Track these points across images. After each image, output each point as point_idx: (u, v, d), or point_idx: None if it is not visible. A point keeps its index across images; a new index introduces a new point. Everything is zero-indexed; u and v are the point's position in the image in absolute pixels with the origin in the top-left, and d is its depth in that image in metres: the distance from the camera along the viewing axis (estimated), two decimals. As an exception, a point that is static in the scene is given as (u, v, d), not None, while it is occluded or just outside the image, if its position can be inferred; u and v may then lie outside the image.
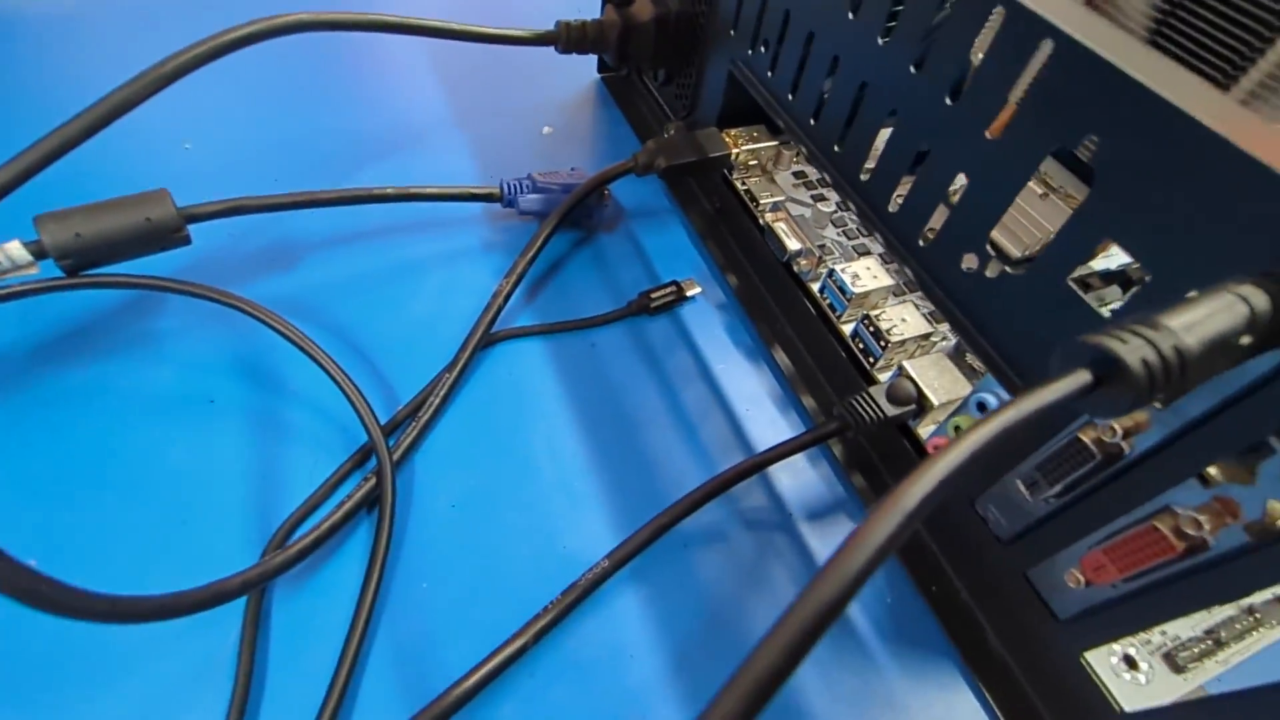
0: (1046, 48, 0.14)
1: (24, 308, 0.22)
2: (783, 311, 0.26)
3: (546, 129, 0.33)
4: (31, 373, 0.22)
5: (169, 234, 0.21)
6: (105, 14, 0.35)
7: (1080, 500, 0.15)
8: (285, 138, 0.30)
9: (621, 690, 0.18)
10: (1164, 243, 0.13)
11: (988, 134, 0.16)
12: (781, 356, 0.26)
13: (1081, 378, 0.09)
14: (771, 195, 0.27)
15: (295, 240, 0.26)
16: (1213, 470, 0.13)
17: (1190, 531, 0.13)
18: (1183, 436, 0.13)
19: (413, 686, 0.17)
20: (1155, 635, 0.18)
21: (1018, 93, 0.15)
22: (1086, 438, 0.15)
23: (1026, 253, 0.22)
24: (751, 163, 0.28)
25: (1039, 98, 0.14)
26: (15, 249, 0.19)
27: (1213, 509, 0.13)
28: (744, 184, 0.28)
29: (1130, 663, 0.17)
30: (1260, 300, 0.10)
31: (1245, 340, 0.10)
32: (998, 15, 0.15)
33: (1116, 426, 0.14)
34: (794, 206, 0.27)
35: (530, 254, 0.25)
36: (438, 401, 0.22)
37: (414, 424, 0.22)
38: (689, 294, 0.27)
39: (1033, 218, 0.21)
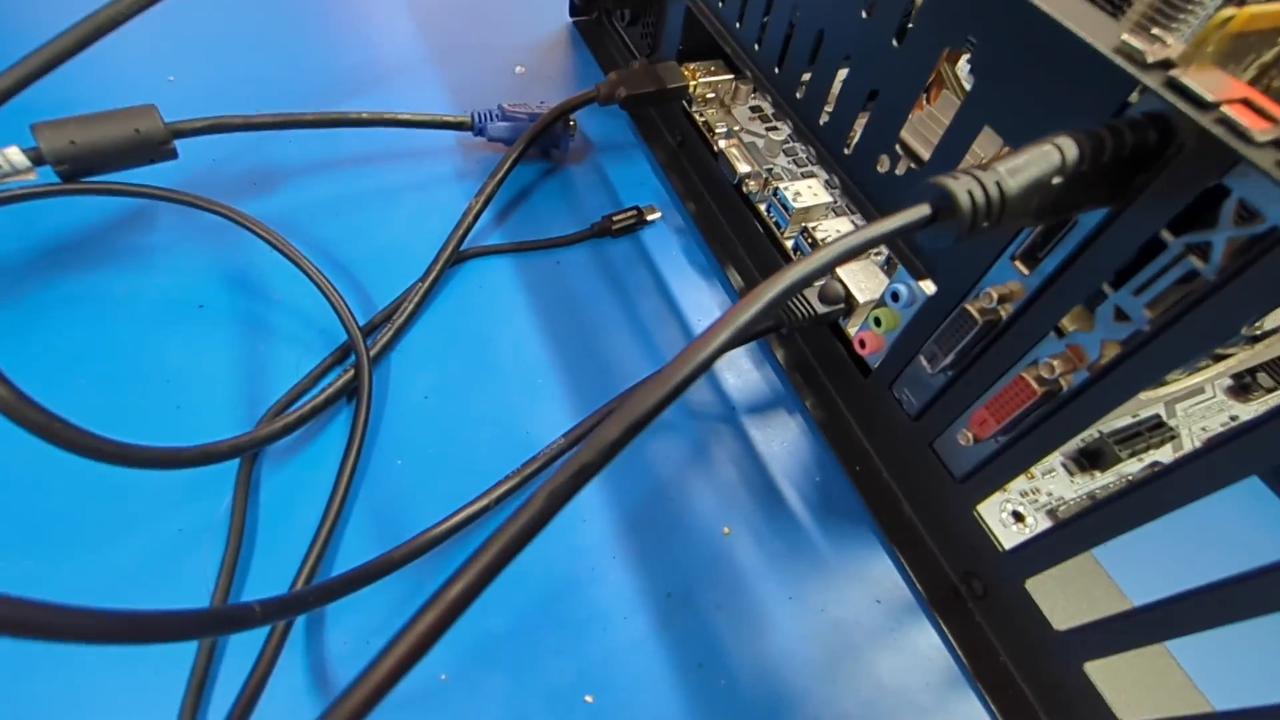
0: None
1: (23, 211, 0.24)
2: (735, 233, 0.28)
3: (519, 68, 0.35)
4: (31, 276, 0.23)
5: (157, 146, 0.23)
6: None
7: (968, 367, 0.18)
8: (265, 73, 0.32)
9: (574, 548, 0.20)
10: (1022, 123, 0.15)
11: (894, 43, 0.18)
12: (733, 274, 0.28)
13: (922, 210, 0.12)
14: (727, 126, 0.29)
15: (276, 163, 0.28)
16: (1065, 321, 0.15)
17: (1046, 375, 0.15)
18: (1041, 294, 0.15)
19: (385, 540, 0.20)
20: (1042, 496, 0.20)
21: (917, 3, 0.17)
22: (971, 308, 0.17)
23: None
24: (709, 95, 0.30)
25: (932, 7, 0.16)
26: (14, 153, 0.21)
27: (1065, 356, 0.15)
28: (702, 116, 0.29)
29: (1018, 517, 0.20)
30: (1071, 149, 0.12)
31: (1056, 180, 0.12)
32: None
33: (993, 293, 0.16)
34: (747, 135, 0.29)
35: (499, 176, 0.27)
36: (411, 308, 0.24)
37: (389, 326, 0.24)
38: (649, 219, 0.29)
39: (940, 121, 0.23)
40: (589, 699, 0.18)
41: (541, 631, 0.19)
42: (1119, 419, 0.22)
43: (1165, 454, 0.22)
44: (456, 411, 0.23)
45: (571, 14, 0.38)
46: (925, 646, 0.20)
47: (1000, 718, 0.19)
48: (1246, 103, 0.11)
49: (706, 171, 0.29)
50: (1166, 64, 0.12)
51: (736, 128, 0.29)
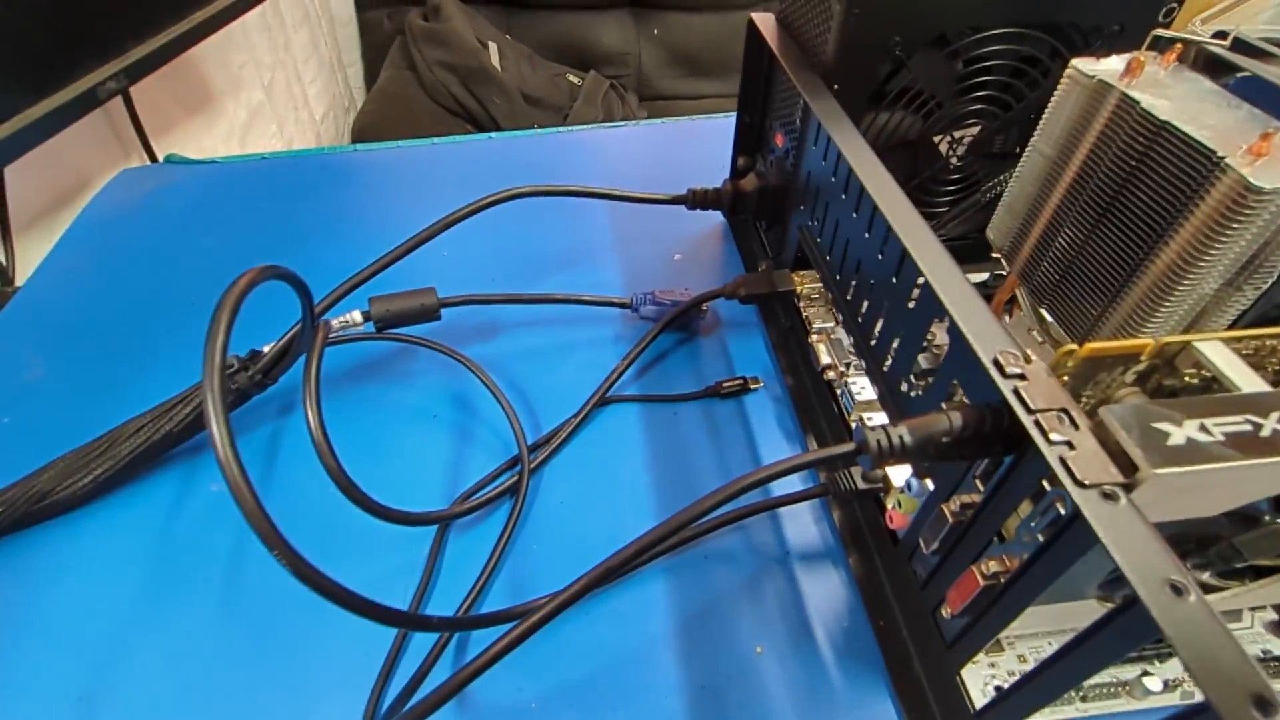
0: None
1: (352, 349, 0.38)
2: (819, 409, 0.35)
3: (677, 256, 0.46)
4: (347, 384, 0.37)
5: (431, 313, 0.36)
6: (409, 164, 0.55)
7: (946, 555, 0.23)
8: (506, 253, 0.46)
9: (642, 632, 0.28)
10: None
11: (909, 306, 0.25)
12: (811, 441, 0.34)
13: (849, 446, 0.18)
14: (822, 322, 0.36)
15: (497, 321, 0.41)
16: (1005, 529, 0.20)
17: (986, 571, 0.20)
18: (986, 506, 0.20)
19: (516, 598, 0.28)
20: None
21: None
22: (944, 508, 0.22)
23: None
24: (814, 296, 0.38)
25: (923, 293, 0.23)
26: (356, 315, 0.35)
27: (1001, 559, 0.20)
28: (805, 311, 0.37)
29: (1000, 691, 0.23)
30: (957, 419, 0.18)
31: (945, 439, 0.18)
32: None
33: (958, 501, 0.22)
34: (835, 334, 0.36)
35: (641, 346, 0.37)
36: (564, 435, 0.34)
37: (547, 447, 0.34)
38: (753, 387, 0.37)
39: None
40: (628, 749, 0.25)
41: (605, 688, 0.26)
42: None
43: (1170, 669, 0.24)
44: (581, 518, 0.31)
45: (726, 215, 0.48)
46: (908, 787, 0.24)
47: None
48: (1063, 411, 0.17)
49: (804, 355, 0.37)
50: (1021, 376, 0.18)
51: (830, 325, 0.36)
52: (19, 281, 0.45)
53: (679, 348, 0.40)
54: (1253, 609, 0.25)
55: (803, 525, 0.31)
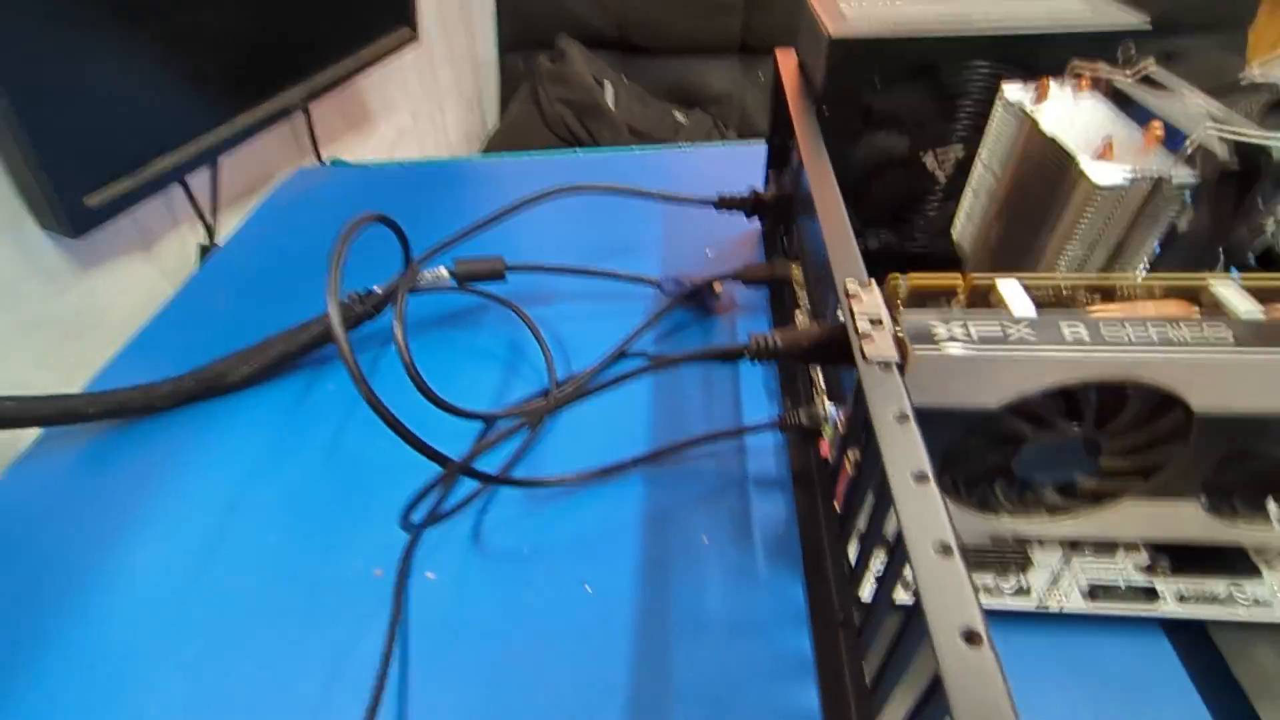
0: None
1: (438, 299, 0.49)
2: (797, 374, 0.41)
3: (709, 251, 0.54)
4: (430, 327, 0.48)
5: (499, 274, 0.46)
6: (520, 171, 0.67)
7: (838, 458, 0.29)
8: (567, 238, 0.56)
9: (618, 523, 0.35)
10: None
11: (835, 270, 0.32)
12: (786, 399, 0.41)
13: (740, 346, 0.26)
14: (806, 303, 0.43)
15: (552, 288, 0.51)
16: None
17: (850, 462, 0.27)
18: (853, 415, 0.27)
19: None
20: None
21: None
22: (839, 421, 0.29)
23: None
24: (799, 277, 0.44)
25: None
26: (443, 271, 0.46)
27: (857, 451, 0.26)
28: (798, 294, 0.44)
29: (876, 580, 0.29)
30: (815, 329, 0.25)
31: (806, 344, 0.25)
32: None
33: (843, 417, 0.28)
34: (822, 312, 0.42)
35: (659, 313, 0.45)
36: (586, 375, 0.43)
37: (571, 384, 0.43)
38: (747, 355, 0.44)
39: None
40: None
41: (583, 550, 0.34)
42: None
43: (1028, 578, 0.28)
44: (590, 436, 0.40)
45: (747, 216, 0.56)
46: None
47: None
48: (876, 320, 0.23)
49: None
50: (857, 297, 0.24)
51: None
52: (219, 243, 0.61)
53: (695, 322, 0.48)
54: (1127, 548, 0.29)
55: (763, 456, 0.38)
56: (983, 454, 0.26)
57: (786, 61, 0.46)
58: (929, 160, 0.43)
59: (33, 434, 0.42)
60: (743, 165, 0.66)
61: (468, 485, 0.37)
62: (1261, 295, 0.23)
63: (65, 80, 0.42)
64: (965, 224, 0.38)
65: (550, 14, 1.46)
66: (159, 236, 0.56)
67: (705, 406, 0.41)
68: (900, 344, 0.22)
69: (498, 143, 1.30)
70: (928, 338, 0.22)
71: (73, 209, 0.44)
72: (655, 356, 0.42)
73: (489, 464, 0.38)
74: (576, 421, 0.41)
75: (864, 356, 0.22)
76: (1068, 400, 0.24)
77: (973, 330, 0.22)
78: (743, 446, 0.38)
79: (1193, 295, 0.24)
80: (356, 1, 0.72)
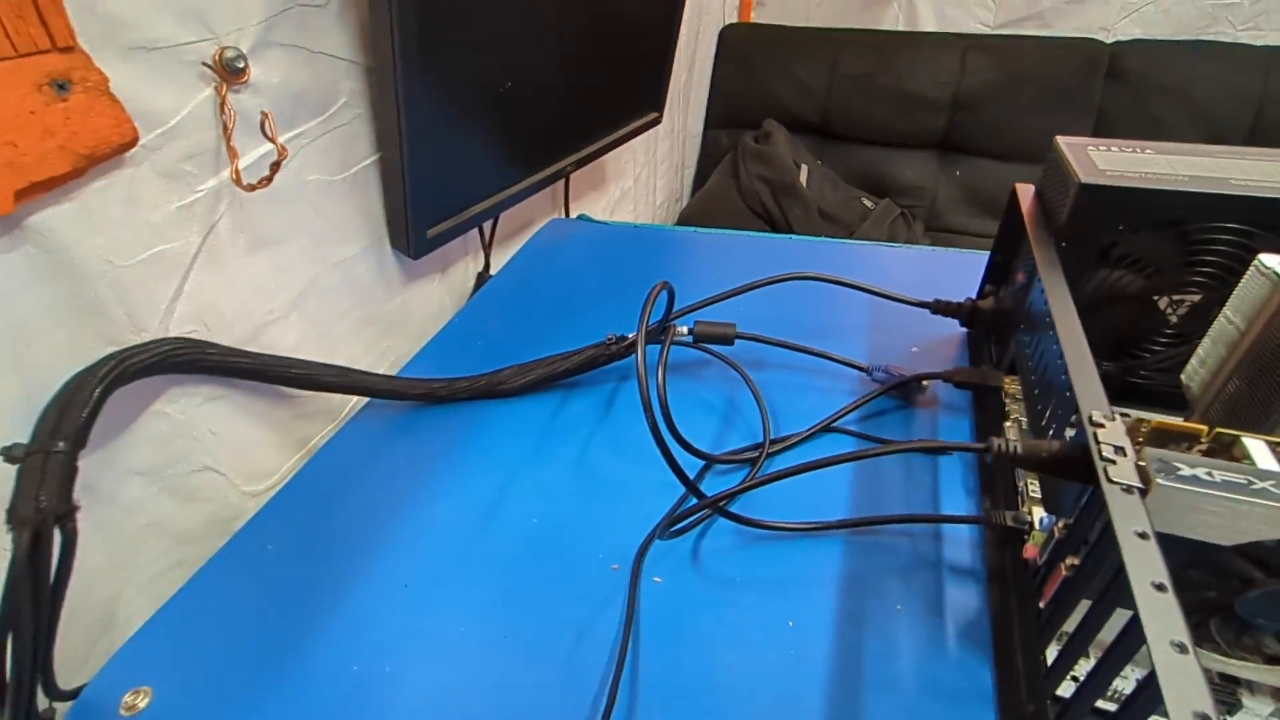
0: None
1: (677, 350, 0.57)
2: (999, 478, 0.44)
3: (915, 348, 0.58)
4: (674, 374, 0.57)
5: (729, 339, 0.54)
6: (726, 246, 0.76)
7: (1050, 560, 0.32)
8: (787, 316, 0.62)
9: (821, 572, 0.40)
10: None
11: (1066, 393, 0.35)
12: (985, 500, 0.44)
13: (981, 445, 0.31)
14: (1016, 415, 0.46)
15: (772, 358, 0.57)
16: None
17: (1067, 565, 0.30)
18: (1075, 525, 0.31)
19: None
20: None
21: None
22: (1055, 529, 0.32)
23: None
24: (1017, 396, 0.47)
25: (1076, 381, 0.34)
26: (684, 330, 0.54)
27: (1077, 555, 0.30)
28: (1006, 404, 0.47)
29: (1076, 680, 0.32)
30: (1055, 445, 0.29)
31: (1044, 455, 0.29)
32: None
33: (1060, 525, 0.32)
34: (1025, 422, 0.45)
35: (868, 397, 0.50)
36: (795, 440, 0.49)
37: (781, 443, 0.49)
38: (950, 451, 0.48)
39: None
40: None
41: (786, 590, 0.39)
42: None
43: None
44: (795, 493, 0.45)
45: (962, 324, 0.60)
46: (984, 720, 0.33)
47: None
48: (1120, 447, 0.27)
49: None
50: (1101, 425, 0.28)
51: (1022, 418, 0.46)
52: (492, 273, 0.75)
53: (897, 410, 0.52)
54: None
55: (958, 546, 0.41)
56: (1202, 587, 0.29)
57: (1025, 194, 0.50)
58: (1163, 302, 0.45)
59: (361, 401, 0.55)
60: (947, 271, 0.70)
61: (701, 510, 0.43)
62: None
63: (439, 148, 0.56)
64: (1197, 368, 0.40)
65: (761, 99, 1.58)
66: (453, 262, 0.71)
67: (904, 488, 0.45)
68: (1143, 473, 0.26)
69: (694, 206, 1.42)
70: (1172, 471, 0.26)
71: (419, 237, 0.58)
72: (881, 448, 0.47)
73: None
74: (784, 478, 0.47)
75: (1108, 478, 0.26)
76: (1302, 555, 0.26)
77: (1216, 475, 0.25)
78: (939, 533, 0.42)
79: None
80: (624, 91, 0.86)
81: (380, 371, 0.61)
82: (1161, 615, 0.22)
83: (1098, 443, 0.28)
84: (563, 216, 0.90)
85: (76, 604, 0.35)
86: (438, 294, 0.69)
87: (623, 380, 0.56)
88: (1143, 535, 0.24)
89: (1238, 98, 1.39)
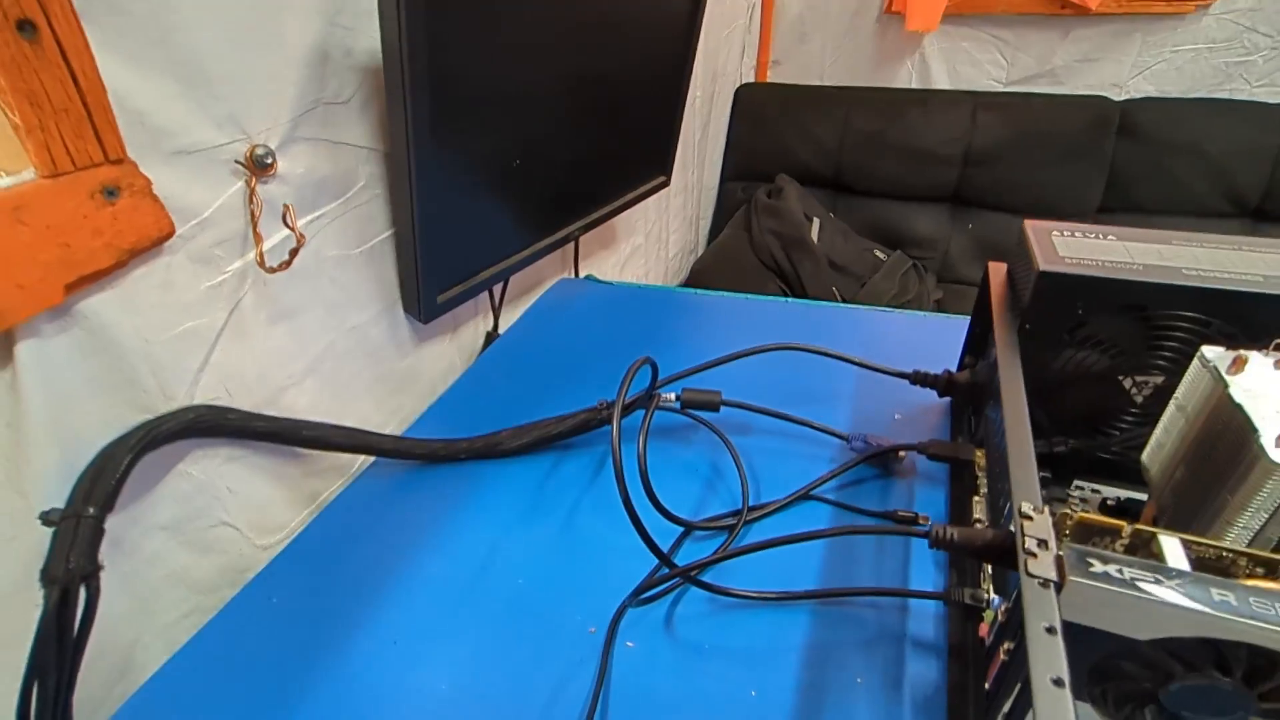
0: None
1: (664, 415, 0.60)
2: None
3: (897, 415, 0.60)
4: (652, 437, 0.59)
5: (714, 406, 0.56)
6: (727, 308, 0.79)
7: (993, 644, 0.34)
8: (773, 383, 0.65)
9: (784, 642, 0.42)
10: (1022, 529, 0.33)
11: (1015, 478, 0.37)
12: (953, 573, 0.45)
13: (924, 528, 0.33)
14: (985, 489, 0.48)
15: (756, 424, 0.60)
16: (1017, 623, 0.32)
17: (1004, 650, 0.32)
18: (1013, 610, 0.32)
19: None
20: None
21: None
22: (999, 613, 0.34)
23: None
24: (985, 464, 0.49)
25: (1020, 467, 0.36)
26: (671, 396, 0.57)
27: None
28: (979, 478, 0.49)
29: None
30: (989, 534, 0.31)
31: (979, 543, 0.31)
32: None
33: (1003, 610, 0.33)
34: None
35: (846, 466, 0.52)
36: (774, 507, 0.51)
37: (760, 510, 0.51)
38: (922, 522, 0.49)
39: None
40: None
41: (751, 657, 0.41)
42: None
43: None
44: (768, 560, 0.47)
45: (939, 395, 0.61)
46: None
47: None
48: (1043, 540, 0.29)
49: (968, 510, 0.48)
50: (1029, 517, 0.30)
51: (996, 493, 0.47)
52: (500, 332, 0.79)
53: (875, 479, 0.54)
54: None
55: (922, 619, 0.43)
56: (1135, 677, 0.30)
57: (997, 272, 0.53)
58: (1128, 382, 0.47)
59: (369, 459, 0.59)
60: (938, 336, 0.72)
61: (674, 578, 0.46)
62: None
63: (450, 222, 0.61)
64: (1155, 452, 0.41)
65: (775, 154, 1.63)
66: (464, 323, 0.75)
67: (876, 559, 0.47)
68: (1060, 567, 0.28)
69: (707, 259, 1.46)
70: (1084, 568, 0.27)
71: (429, 303, 0.63)
72: (846, 528, 0.49)
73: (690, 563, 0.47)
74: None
75: (1027, 571, 0.28)
76: (1219, 652, 0.27)
77: (1126, 572, 0.27)
78: (905, 606, 0.44)
79: (1359, 587, 0.27)
80: (631, 159, 0.90)
81: (390, 428, 0.65)
82: (1054, 710, 0.23)
83: (1023, 535, 0.30)
84: (571, 276, 0.94)
85: (97, 649, 0.38)
86: (448, 353, 0.74)
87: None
88: (1050, 630, 0.26)
89: (1253, 153, 1.39)
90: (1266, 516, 0.31)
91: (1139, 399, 0.46)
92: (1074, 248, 0.46)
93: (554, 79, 0.68)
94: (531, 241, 0.75)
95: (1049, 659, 0.25)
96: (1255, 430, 0.31)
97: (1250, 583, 0.28)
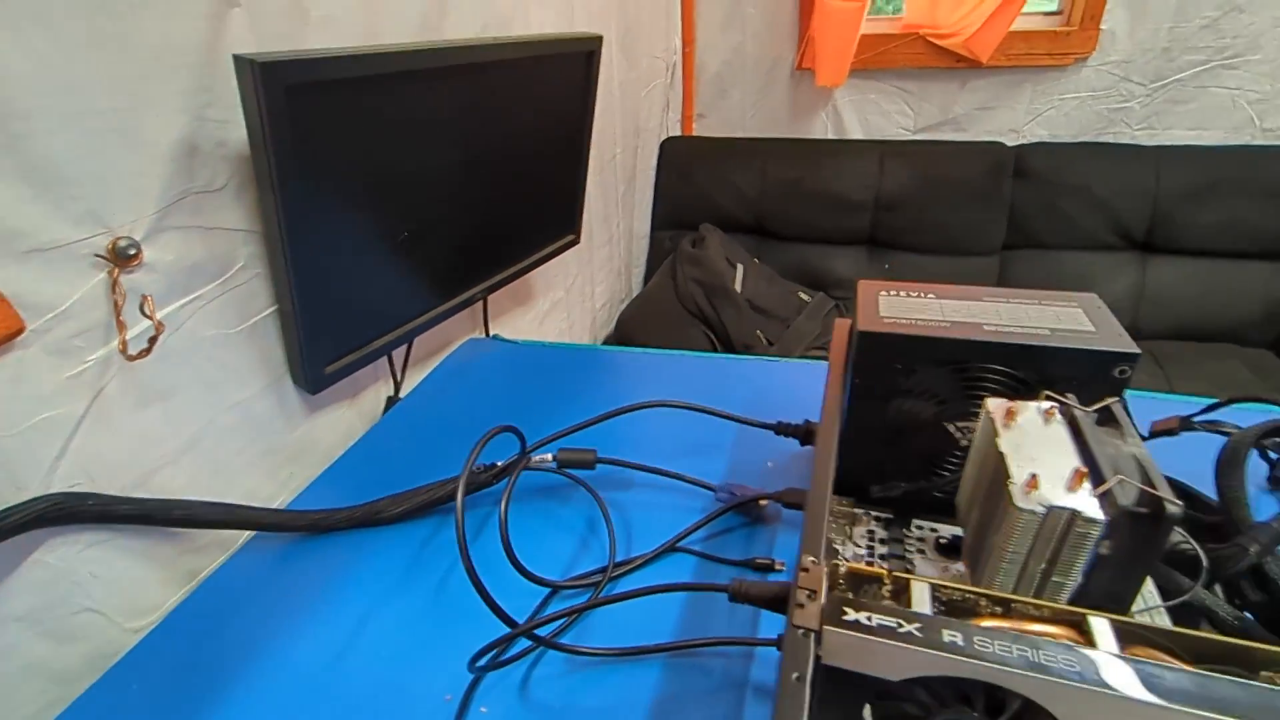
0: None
1: (544, 476, 0.62)
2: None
3: (770, 463, 0.63)
4: (531, 496, 0.61)
5: (589, 464, 0.59)
6: (636, 365, 0.82)
7: (801, 687, 0.36)
8: (653, 437, 0.67)
9: (629, 694, 0.44)
10: (815, 579, 0.36)
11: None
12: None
13: (725, 586, 0.35)
14: (843, 542, 0.50)
15: (631, 479, 0.62)
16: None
17: (797, 692, 0.34)
18: (805, 654, 0.34)
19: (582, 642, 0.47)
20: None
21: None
22: (801, 655, 0.36)
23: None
24: (838, 509, 0.52)
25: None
26: (549, 457, 0.59)
27: (806, 687, 0.34)
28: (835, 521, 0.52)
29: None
30: (778, 587, 0.34)
31: (770, 596, 0.34)
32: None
33: (804, 650, 0.36)
34: (847, 547, 0.50)
35: (708, 518, 0.55)
36: (639, 562, 0.53)
37: (627, 565, 0.52)
38: (778, 568, 0.51)
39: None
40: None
41: (593, 710, 0.42)
42: None
43: None
44: (632, 614, 0.49)
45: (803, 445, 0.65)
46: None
47: None
48: (812, 591, 0.32)
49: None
50: (806, 570, 0.33)
51: (842, 539, 0.50)
52: (402, 396, 0.80)
53: (741, 527, 0.56)
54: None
55: (767, 666, 0.45)
56: (908, 715, 0.32)
57: (841, 328, 0.57)
58: (952, 427, 0.51)
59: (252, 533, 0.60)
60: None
61: (527, 640, 0.47)
62: (1130, 636, 0.29)
63: (332, 296, 0.63)
64: (962, 494, 0.44)
65: (701, 203, 1.70)
66: (363, 388, 0.76)
67: (730, 609, 0.49)
68: (821, 617, 0.30)
69: (632, 310, 1.50)
70: (839, 616, 0.30)
71: (316, 374, 0.64)
72: (653, 587, 0.50)
73: (551, 624, 0.49)
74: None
75: (792, 621, 0.31)
76: (961, 689, 0.30)
77: (875, 619, 0.30)
78: (750, 654, 0.46)
79: (1077, 623, 0.30)
80: (535, 220, 0.94)
81: (281, 499, 0.65)
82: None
83: (797, 586, 0.32)
84: (482, 336, 0.96)
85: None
86: (346, 419, 0.75)
87: (496, 504, 0.61)
88: (799, 679, 0.28)
89: (1135, 193, 1.50)
90: (1024, 556, 0.35)
91: (964, 443, 0.50)
92: (895, 307, 0.50)
93: (440, 155, 0.71)
94: (430, 306, 0.78)
95: (793, 706, 0.27)
96: (1010, 478, 0.35)
97: (984, 622, 0.30)
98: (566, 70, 0.87)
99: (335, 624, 0.50)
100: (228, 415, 0.60)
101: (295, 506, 0.62)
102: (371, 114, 0.60)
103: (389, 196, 0.66)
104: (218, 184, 0.56)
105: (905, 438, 0.51)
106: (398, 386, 0.80)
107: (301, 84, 0.52)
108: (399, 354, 0.80)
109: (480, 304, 0.93)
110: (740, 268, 1.54)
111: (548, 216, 0.98)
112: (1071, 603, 0.35)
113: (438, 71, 0.66)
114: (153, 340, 0.49)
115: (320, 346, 0.64)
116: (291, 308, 0.60)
